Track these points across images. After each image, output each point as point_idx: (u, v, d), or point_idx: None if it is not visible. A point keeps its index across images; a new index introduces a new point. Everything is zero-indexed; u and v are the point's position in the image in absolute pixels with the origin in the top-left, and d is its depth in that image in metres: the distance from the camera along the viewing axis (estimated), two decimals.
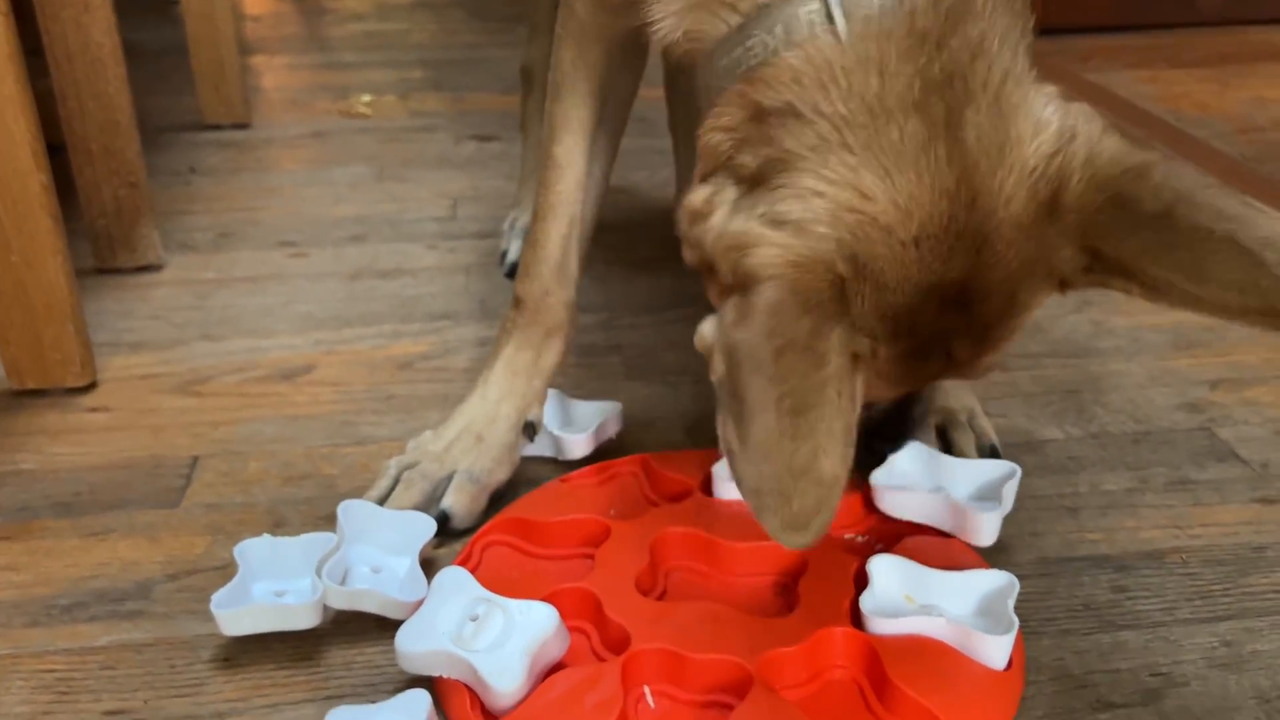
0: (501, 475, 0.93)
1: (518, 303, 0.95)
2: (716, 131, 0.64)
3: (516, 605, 0.74)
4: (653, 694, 0.73)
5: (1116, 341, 1.19)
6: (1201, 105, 1.94)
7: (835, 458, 0.55)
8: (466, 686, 0.71)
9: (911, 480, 0.86)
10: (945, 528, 0.84)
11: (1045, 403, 1.08)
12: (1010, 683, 0.73)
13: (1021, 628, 0.79)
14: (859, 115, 0.57)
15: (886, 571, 0.78)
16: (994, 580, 0.78)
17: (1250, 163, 1.66)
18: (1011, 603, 0.75)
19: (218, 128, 1.88)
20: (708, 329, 0.61)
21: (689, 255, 0.67)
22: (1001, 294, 0.63)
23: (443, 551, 0.88)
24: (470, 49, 2.45)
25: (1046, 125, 0.60)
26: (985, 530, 0.82)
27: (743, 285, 0.58)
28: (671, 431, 1.04)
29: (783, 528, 0.55)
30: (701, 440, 1.01)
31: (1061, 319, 1.23)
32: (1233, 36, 2.32)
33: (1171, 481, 0.96)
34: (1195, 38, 2.31)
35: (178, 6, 1.86)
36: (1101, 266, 0.62)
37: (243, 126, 1.90)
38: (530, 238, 0.95)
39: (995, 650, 0.73)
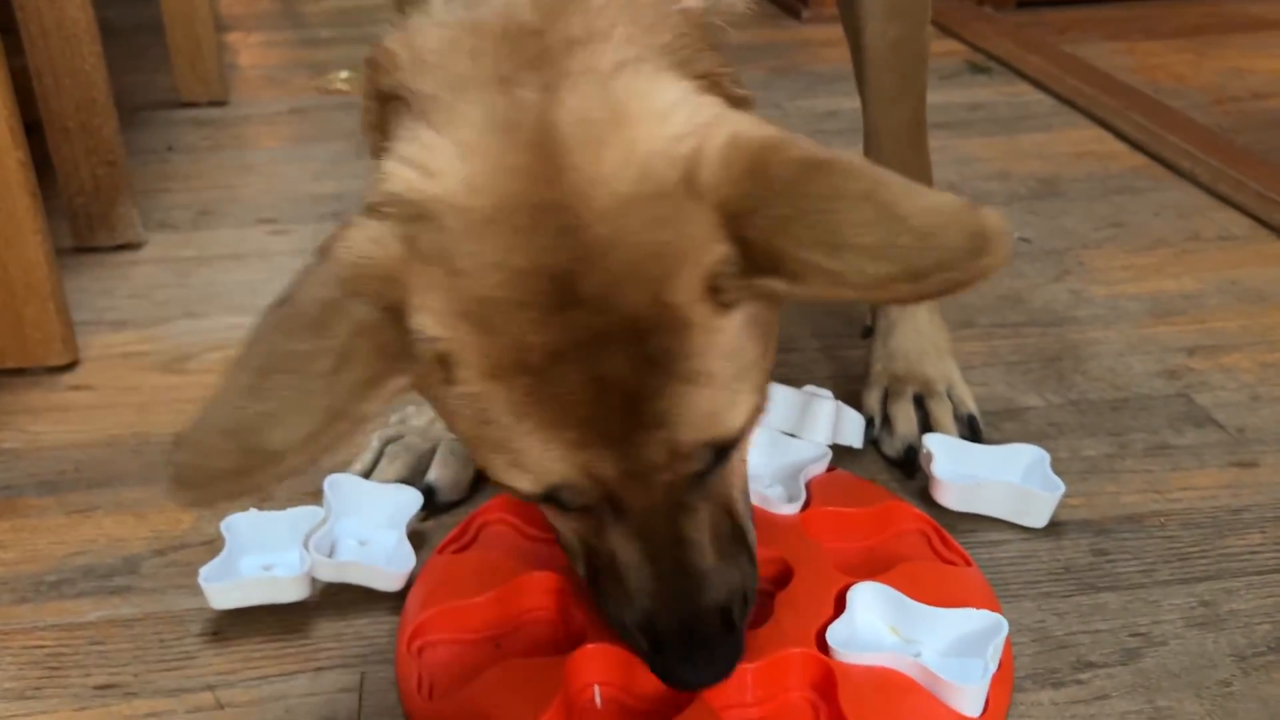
0: None
1: None
2: (366, 129, 0.63)
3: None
4: (601, 694, 0.70)
5: (1095, 310, 1.20)
6: (1178, 76, 1.95)
7: (291, 433, 0.51)
8: (418, 671, 0.71)
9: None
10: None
11: (1025, 370, 1.09)
12: None
13: (1004, 597, 0.80)
14: (444, 94, 0.56)
15: (868, 602, 0.73)
16: (980, 621, 0.72)
17: (1227, 133, 1.67)
18: (994, 648, 0.69)
19: (195, 105, 1.87)
20: None
21: None
22: (630, 284, 0.54)
23: (430, 524, 0.88)
24: None
25: (672, 111, 0.55)
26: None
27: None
28: None
29: (174, 480, 0.51)
30: None
31: (1041, 288, 1.24)
32: (1208, 8, 2.33)
33: (1150, 447, 0.97)
34: (1171, 9, 2.32)
35: None
36: (752, 261, 0.54)
37: (220, 104, 1.89)
38: None
39: (966, 697, 0.67)
